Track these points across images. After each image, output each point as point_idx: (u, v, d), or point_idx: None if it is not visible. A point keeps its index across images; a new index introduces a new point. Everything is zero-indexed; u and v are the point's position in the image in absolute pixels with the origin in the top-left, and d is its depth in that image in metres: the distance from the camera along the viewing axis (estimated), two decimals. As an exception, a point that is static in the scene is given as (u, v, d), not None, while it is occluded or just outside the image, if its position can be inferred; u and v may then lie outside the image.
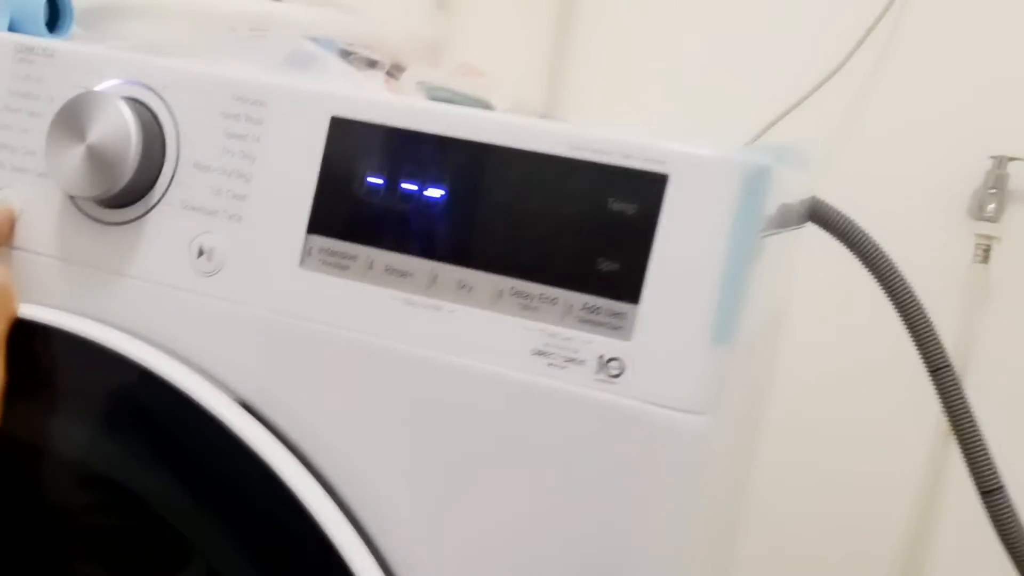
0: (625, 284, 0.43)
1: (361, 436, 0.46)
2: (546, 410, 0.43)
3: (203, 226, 0.48)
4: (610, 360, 0.43)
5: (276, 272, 0.46)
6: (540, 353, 0.44)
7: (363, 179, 0.46)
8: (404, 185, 0.46)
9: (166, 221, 0.48)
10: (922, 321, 0.76)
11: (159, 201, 0.48)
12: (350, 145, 0.46)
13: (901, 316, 0.76)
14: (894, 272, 0.75)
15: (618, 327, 0.43)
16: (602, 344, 0.43)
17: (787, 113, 1.08)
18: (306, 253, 0.46)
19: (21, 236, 0.50)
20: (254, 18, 0.60)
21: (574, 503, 0.43)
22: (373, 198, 0.46)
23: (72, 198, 0.49)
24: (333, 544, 0.45)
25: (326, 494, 0.46)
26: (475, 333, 0.44)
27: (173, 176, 0.48)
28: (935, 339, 0.77)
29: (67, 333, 0.47)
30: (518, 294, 0.44)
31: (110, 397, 0.48)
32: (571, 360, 0.43)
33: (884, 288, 0.75)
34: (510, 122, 0.45)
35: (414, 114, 0.45)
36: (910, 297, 0.75)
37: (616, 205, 0.43)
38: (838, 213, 0.76)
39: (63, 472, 0.50)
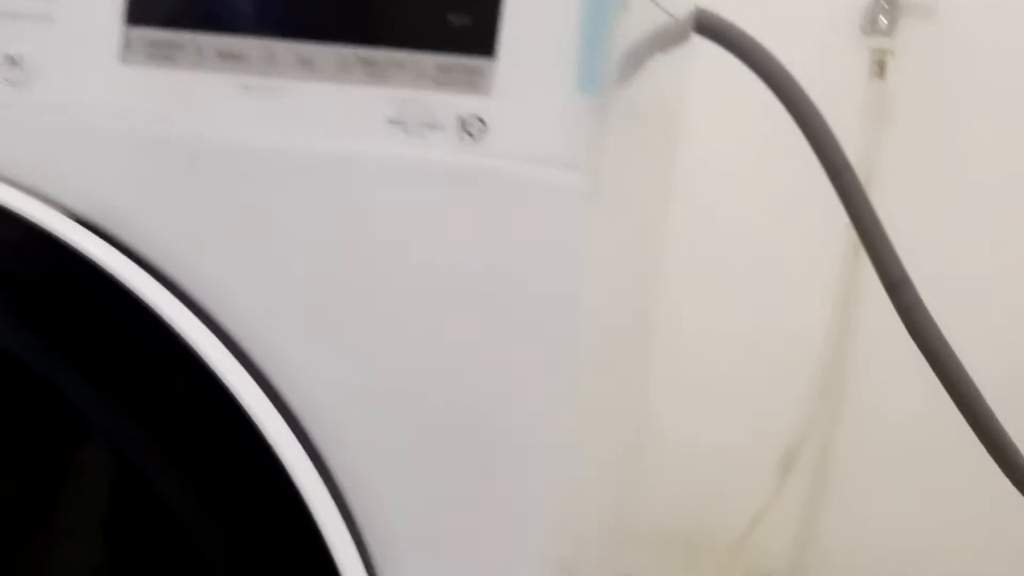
0: (479, 37, 0.40)
1: (210, 238, 0.42)
2: (408, 181, 0.40)
3: (9, 32, 0.42)
4: (471, 119, 0.40)
5: (95, 71, 0.42)
6: (395, 122, 0.40)
7: (179, -44, 0.41)
8: (226, -42, 0.41)
9: (-35, 31, 0.43)
10: (818, 123, 0.74)
11: (-46, 9, 0.43)
12: (161, -81, 0.41)
13: (795, 119, 0.74)
14: (784, 74, 0.73)
15: (475, 84, 0.40)
16: (460, 103, 0.40)
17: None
18: (126, 47, 0.42)
19: None
20: None
21: (446, 279, 0.40)
22: (194, -24, 0.41)
23: None
24: (202, 360, 0.41)
25: (191, 314, 0.42)
26: (322, 110, 0.40)
27: (-33, -20, 0.43)
28: (833, 141, 0.75)
29: None
30: (364, 62, 0.40)
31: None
32: (429, 125, 0.40)
33: (774, 90, 0.73)
34: None
35: None
36: (802, 98, 0.73)
37: (461, -48, 0.40)
38: (725, 22, 0.74)
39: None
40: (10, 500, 0.45)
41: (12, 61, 0.43)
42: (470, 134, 0.40)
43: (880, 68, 1.02)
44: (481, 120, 0.40)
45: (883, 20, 1.01)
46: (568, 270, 0.41)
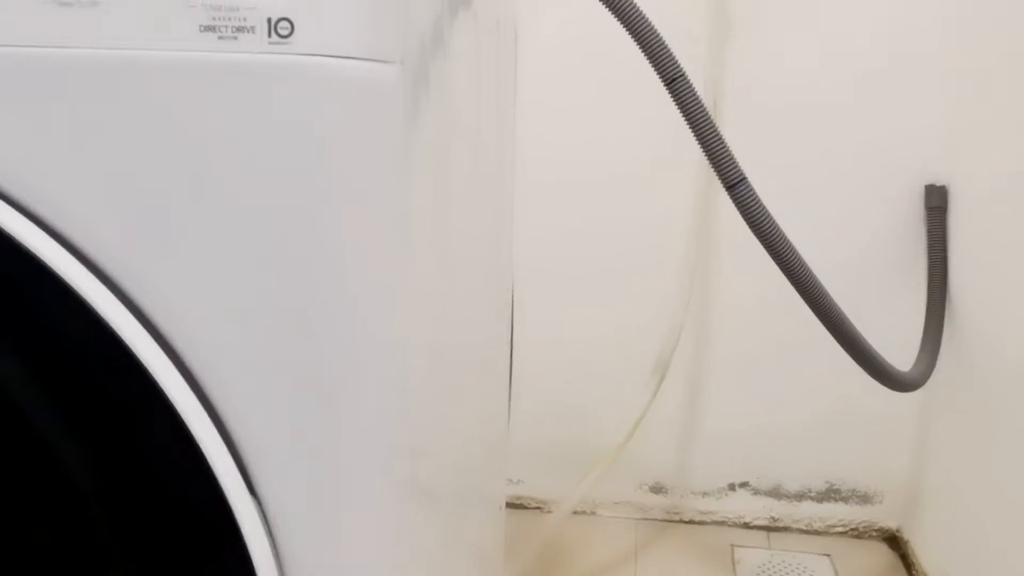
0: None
1: (47, 155, 0.43)
2: (225, 85, 0.42)
3: None
4: (279, 21, 0.42)
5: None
6: (208, 28, 0.42)
7: None
8: None
9: None
10: (651, 36, 0.78)
11: None
12: None
13: (629, 32, 0.78)
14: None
15: (281, -14, 0.42)
16: (268, 6, 0.42)
17: None
18: (-65, -30, 0.42)
19: None
20: None
21: (269, 184, 0.43)
22: None
23: None
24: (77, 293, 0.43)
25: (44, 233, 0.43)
26: (139, 21, 0.42)
27: None
28: (665, 52, 0.79)
29: None
30: (173, -29, 0.42)
31: None
32: (240, 29, 0.42)
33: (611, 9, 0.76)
34: None
35: None
36: (637, 16, 0.77)
37: None
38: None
39: None
40: None
41: None
42: (280, 35, 0.42)
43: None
44: (289, 20, 0.42)
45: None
46: (386, 162, 0.44)
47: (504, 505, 1.05)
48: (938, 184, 1.21)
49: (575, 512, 1.40)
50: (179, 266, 0.44)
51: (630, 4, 0.76)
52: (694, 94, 0.81)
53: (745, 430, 1.37)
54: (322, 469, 0.46)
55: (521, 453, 1.38)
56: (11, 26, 0.42)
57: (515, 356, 0.97)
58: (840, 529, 1.39)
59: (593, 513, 1.44)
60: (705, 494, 1.42)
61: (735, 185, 0.83)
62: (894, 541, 1.39)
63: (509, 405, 0.98)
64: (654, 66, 0.79)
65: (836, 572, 1.31)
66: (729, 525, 1.42)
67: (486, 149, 0.70)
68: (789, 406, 1.34)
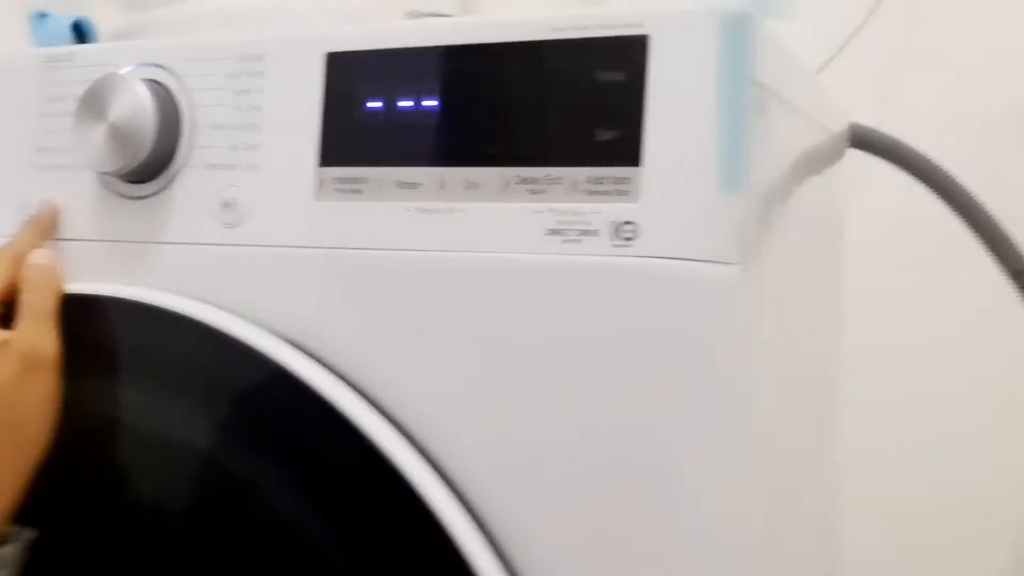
0: (624, 149, 0.43)
1: (397, 350, 0.46)
2: (569, 286, 0.43)
3: (224, 181, 0.50)
4: (623, 224, 0.43)
5: (295, 209, 0.48)
6: (554, 232, 0.44)
7: (363, 105, 0.48)
8: (401, 103, 0.47)
9: (190, 184, 0.51)
10: (993, 226, 0.72)
11: (182, 166, 0.51)
12: (346, 77, 0.48)
13: (968, 224, 0.72)
14: (951, 182, 0.72)
15: (625, 191, 0.43)
16: (612, 211, 0.43)
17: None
18: (319, 186, 0.48)
19: (66, 228, 0.53)
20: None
21: (609, 378, 0.43)
22: (375, 121, 0.48)
23: (106, 182, 0.53)
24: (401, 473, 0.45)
25: (385, 421, 0.46)
26: (489, 226, 0.45)
27: (192, 141, 0.51)
28: (1010, 242, 0.73)
29: (115, 300, 0.50)
30: (524, 181, 0.45)
31: (167, 359, 0.50)
32: (585, 232, 0.43)
33: (944, 199, 0.72)
34: (489, 21, 0.46)
35: (398, 33, 0.47)
36: (974, 204, 0.72)
37: (603, 76, 0.44)
38: (881, 134, 0.75)
39: (137, 445, 0.51)
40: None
41: (226, 205, 0.50)
42: (623, 238, 0.43)
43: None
44: (632, 224, 0.43)
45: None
46: (729, 366, 0.43)
47: None
48: None
49: None
50: (496, 452, 0.45)
51: (964, 193, 0.71)
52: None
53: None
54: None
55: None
56: (378, 235, 0.47)
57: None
58: None
59: None
60: None
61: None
62: None
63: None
64: (997, 259, 0.72)
65: None
66: None
67: (815, 344, 0.67)
68: None
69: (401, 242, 0.46)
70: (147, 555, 0.50)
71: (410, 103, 0.47)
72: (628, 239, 0.43)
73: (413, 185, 0.46)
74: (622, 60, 0.43)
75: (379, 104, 0.47)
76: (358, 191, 0.47)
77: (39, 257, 0.50)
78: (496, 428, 0.45)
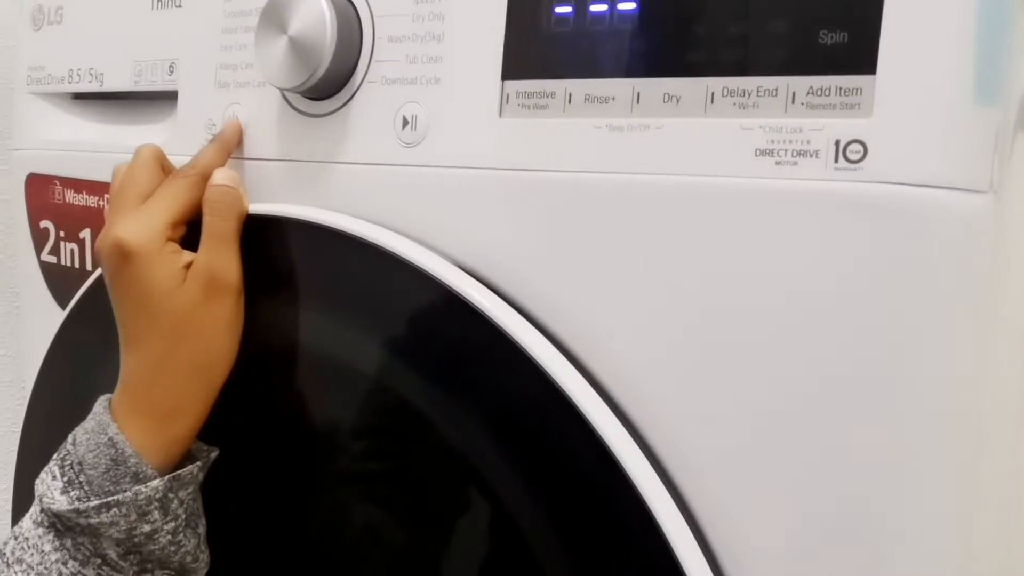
0: (857, 54, 0.37)
1: (590, 289, 0.42)
2: (783, 216, 0.38)
3: (404, 96, 0.47)
4: (849, 144, 0.37)
5: (477, 127, 0.45)
6: (766, 152, 0.38)
7: (551, 10, 0.43)
8: (593, 7, 0.42)
9: (370, 100, 0.48)
10: None
11: (362, 82, 0.48)
12: (533, -22, 0.43)
13: None
14: None
15: (854, 104, 0.37)
16: (836, 127, 0.37)
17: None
18: (504, 101, 0.44)
19: (248, 146, 0.52)
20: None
21: (831, 330, 0.37)
22: (563, 27, 0.43)
23: (286, 98, 0.51)
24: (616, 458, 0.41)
25: (596, 394, 0.42)
26: (689, 145, 0.40)
27: (372, 55, 0.48)
28: None
29: (294, 220, 0.48)
30: (732, 93, 0.39)
31: (351, 282, 0.48)
32: (802, 152, 0.37)
33: None
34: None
35: (593, -74, 0.42)
36: None
37: (832, -34, 0.37)
38: None
39: (324, 375, 0.50)
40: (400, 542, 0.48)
41: (406, 122, 0.47)
42: (849, 160, 0.37)
43: None
44: (862, 143, 0.36)
45: None
46: (972, 312, 0.36)
47: None
48: None
49: None
50: (700, 401, 0.40)
51: None
52: None
53: None
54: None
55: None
56: (566, 155, 0.42)
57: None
58: None
59: None
60: None
61: None
62: None
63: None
64: None
65: None
66: None
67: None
68: None
69: (591, 163, 0.42)
70: (322, 478, 0.50)
71: (604, 6, 0.42)
72: (856, 161, 0.36)
73: (605, 99, 0.42)
74: (856, -54, 0.37)
75: (568, 9, 0.43)
76: (544, 106, 0.43)
77: (222, 177, 0.49)
78: (692, 380, 0.40)
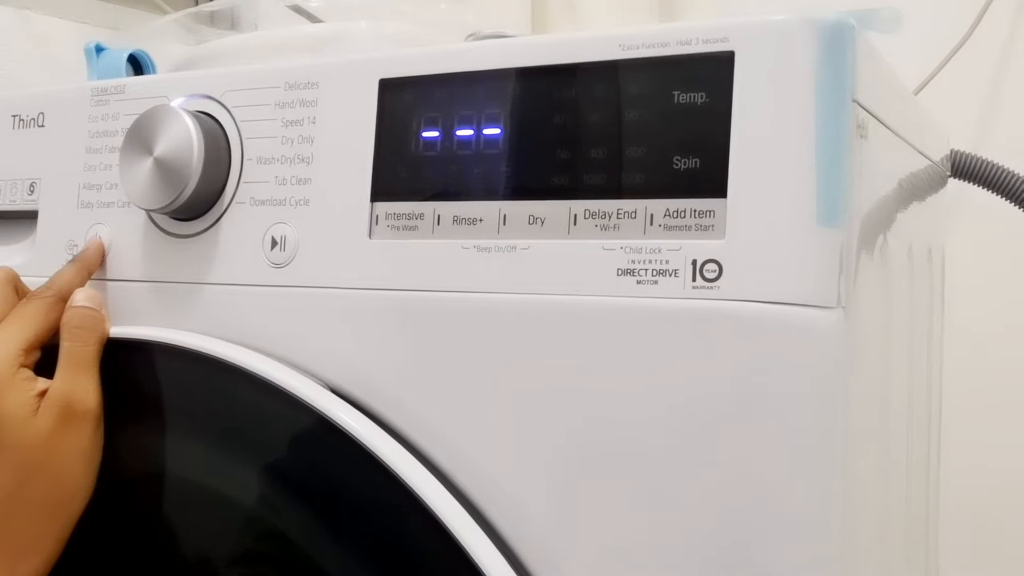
0: (708, 179, 0.38)
1: (451, 400, 0.42)
2: (643, 332, 0.39)
3: (273, 217, 0.47)
4: (705, 263, 0.38)
5: (347, 248, 0.45)
6: (627, 272, 0.39)
7: (418, 135, 0.44)
8: (459, 132, 0.43)
9: (238, 220, 0.47)
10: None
11: (230, 202, 0.48)
12: (401, 104, 0.44)
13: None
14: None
15: (708, 226, 0.38)
16: (693, 248, 0.38)
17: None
18: (373, 222, 0.44)
19: (112, 266, 0.51)
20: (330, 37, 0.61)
21: (689, 436, 0.38)
22: (431, 151, 0.44)
23: (152, 219, 0.50)
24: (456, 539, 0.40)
25: (434, 478, 0.42)
26: (554, 265, 0.41)
27: (240, 176, 0.48)
28: None
29: (159, 344, 0.47)
30: (593, 215, 0.40)
31: (218, 407, 0.46)
32: (661, 272, 0.39)
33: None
34: (553, 40, 0.42)
35: (456, 56, 0.43)
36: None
37: (683, 97, 0.39)
38: (988, 162, 0.68)
39: (191, 502, 0.48)
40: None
41: (275, 242, 0.46)
42: (706, 278, 0.38)
43: None
44: (717, 263, 0.38)
45: None
46: (827, 422, 0.38)
47: None
48: None
49: None
50: (574, 508, 0.40)
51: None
52: None
53: None
54: None
55: None
56: (434, 275, 0.43)
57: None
58: None
59: None
60: None
61: None
62: None
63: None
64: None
65: None
66: None
67: (913, 390, 0.60)
68: None
69: (459, 283, 0.42)
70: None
71: (470, 131, 0.43)
72: (711, 280, 0.38)
73: (473, 221, 0.42)
74: (704, 79, 0.39)
75: (436, 133, 0.44)
76: (413, 227, 0.44)
77: (82, 298, 0.48)
78: (559, 487, 0.40)
